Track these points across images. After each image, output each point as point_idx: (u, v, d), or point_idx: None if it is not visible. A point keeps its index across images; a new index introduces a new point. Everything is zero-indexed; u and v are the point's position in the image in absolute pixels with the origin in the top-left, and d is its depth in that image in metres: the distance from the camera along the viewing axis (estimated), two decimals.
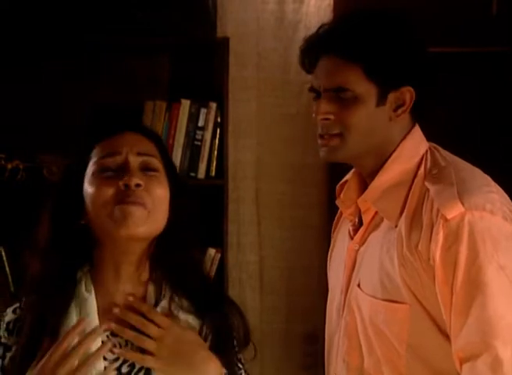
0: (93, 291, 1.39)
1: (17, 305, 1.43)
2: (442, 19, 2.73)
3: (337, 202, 1.77)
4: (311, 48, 1.63)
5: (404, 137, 1.63)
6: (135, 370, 1.36)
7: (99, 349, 1.33)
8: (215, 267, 2.68)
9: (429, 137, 1.68)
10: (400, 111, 1.60)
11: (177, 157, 2.64)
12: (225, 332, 1.43)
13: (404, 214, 1.56)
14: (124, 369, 1.36)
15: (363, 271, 1.64)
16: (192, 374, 1.35)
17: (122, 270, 1.40)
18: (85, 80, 2.80)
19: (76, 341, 1.32)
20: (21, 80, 2.77)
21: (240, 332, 1.45)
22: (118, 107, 2.67)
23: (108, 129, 1.44)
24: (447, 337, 1.51)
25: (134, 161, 1.39)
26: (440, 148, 1.67)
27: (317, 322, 2.56)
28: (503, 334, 1.43)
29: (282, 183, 2.89)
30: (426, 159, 1.62)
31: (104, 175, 1.37)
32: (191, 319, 1.41)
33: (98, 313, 1.37)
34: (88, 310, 1.37)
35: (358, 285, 1.64)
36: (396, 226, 1.57)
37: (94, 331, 1.34)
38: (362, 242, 1.67)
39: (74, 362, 1.30)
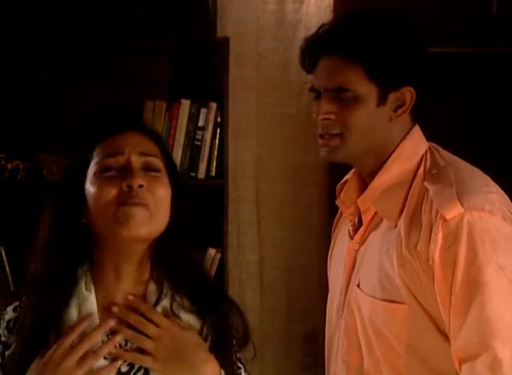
0: (93, 290, 1.39)
1: (17, 303, 1.43)
2: (442, 19, 2.74)
3: (337, 202, 1.77)
4: (311, 48, 1.63)
5: (404, 137, 1.63)
6: (134, 370, 1.36)
7: (105, 344, 1.34)
8: (215, 267, 2.68)
9: (429, 137, 1.68)
10: (400, 111, 1.60)
11: (177, 157, 2.64)
12: (224, 332, 1.42)
13: (404, 214, 1.56)
14: (123, 369, 1.36)
15: (362, 271, 1.64)
16: (190, 374, 1.35)
17: (122, 270, 1.40)
18: (85, 80, 2.80)
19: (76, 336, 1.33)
20: (21, 80, 2.77)
21: (240, 331, 1.45)
22: (118, 107, 2.67)
23: (110, 128, 1.44)
24: (446, 337, 1.51)
25: (137, 161, 1.38)
26: (440, 148, 1.67)
27: (317, 322, 2.57)
28: (502, 335, 1.43)
29: (282, 183, 2.89)
30: (426, 159, 1.62)
31: (106, 175, 1.37)
32: (192, 319, 1.41)
33: (98, 312, 1.38)
34: (88, 309, 1.37)
35: (358, 285, 1.64)
36: (395, 227, 1.57)
37: (99, 327, 1.35)
38: (362, 242, 1.67)
39: (78, 357, 1.31)
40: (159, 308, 1.40)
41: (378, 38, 1.56)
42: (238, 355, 1.46)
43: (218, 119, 2.70)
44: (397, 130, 1.63)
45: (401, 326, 1.55)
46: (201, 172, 2.69)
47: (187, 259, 1.44)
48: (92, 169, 1.39)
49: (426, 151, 1.64)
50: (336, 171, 1.93)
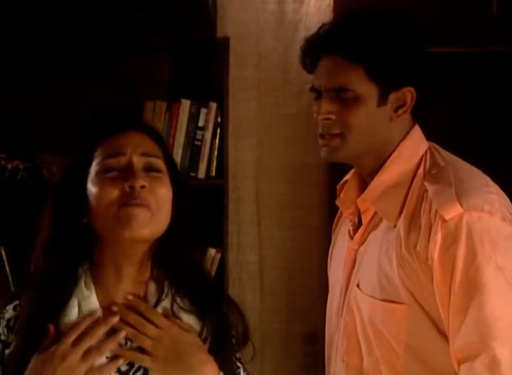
0: (93, 289, 1.39)
1: (17, 302, 1.43)
2: (442, 19, 2.74)
3: (337, 202, 1.77)
4: (312, 47, 1.63)
5: (404, 137, 1.63)
6: (133, 369, 1.36)
7: (108, 341, 1.34)
8: (215, 267, 2.68)
9: (430, 137, 1.68)
10: (400, 111, 1.60)
11: (177, 157, 2.64)
12: (224, 332, 1.43)
13: (403, 214, 1.56)
14: (123, 368, 1.36)
15: (362, 271, 1.64)
16: None
17: (123, 270, 1.40)
18: (85, 80, 2.80)
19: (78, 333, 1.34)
20: (21, 80, 2.77)
21: (239, 330, 1.45)
22: (118, 107, 2.67)
23: (111, 128, 1.44)
24: (445, 337, 1.51)
25: (138, 162, 1.38)
26: (440, 148, 1.67)
27: (317, 322, 2.57)
28: (501, 335, 1.43)
29: (282, 183, 2.89)
30: (425, 160, 1.62)
31: (108, 175, 1.37)
32: (192, 320, 1.41)
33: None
34: (90, 307, 1.38)
35: (357, 285, 1.64)
36: (394, 227, 1.57)
37: (102, 323, 1.35)
38: (362, 242, 1.67)
39: (81, 352, 1.32)
40: (159, 309, 1.40)
41: (378, 38, 1.56)
42: (237, 355, 1.46)
43: (219, 119, 2.70)
44: (397, 130, 1.63)
45: (400, 326, 1.55)
46: (201, 172, 2.69)
47: (188, 259, 1.44)
48: (94, 169, 1.39)
49: (426, 151, 1.64)
50: (336, 171, 1.93)
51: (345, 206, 1.74)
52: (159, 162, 1.41)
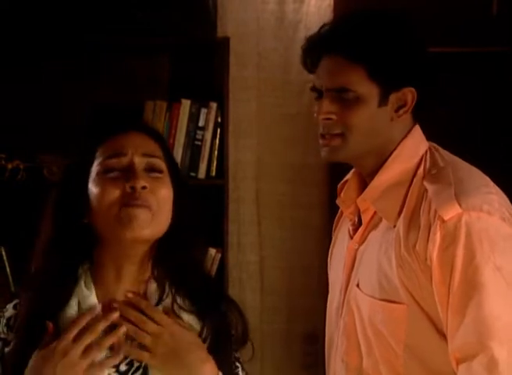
0: (93, 289, 1.39)
1: (17, 301, 1.43)
2: (442, 19, 2.74)
3: (337, 201, 1.77)
4: (313, 47, 1.63)
5: (404, 137, 1.63)
6: (133, 369, 1.36)
7: (109, 336, 1.34)
8: (215, 267, 2.68)
9: (430, 136, 1.68)
10: (401, 111, 1.60)
11: (178, 157, 2.64)
12: (224, 332, 1.43)
13: (403, 214, 1.56)
14: (122, 368, 1.36)
15: (362, 271, 1.64)
16: (186, 373, 1.35)
17: (123, 270, 1.40)
18: (85, 80, 2.80)
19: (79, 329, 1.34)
20: (21, 80, 2.77)
21: (239, 330, 1.45)
22: (119, 107, 2.67)
23: (113, 128, 1.44)
24: (444, 337, 1.51)
25: (139, 162, 1.39)
26: (440, 148, 1.67)
27: (317, 322, 2.57)
28: (499, 335, 1.43)
29: (282, 183, 2.89)
30: (425, 159, 1.62)
31: (109, 176, 1.37)
32: (192, 320, 1.41)
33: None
34: (89, 305, 1.38)
35: (357, 285, 1.64)
36: (394, 226, 1.57)
37: (102, 319, 1.35)
38: (361, 241, 1.67)
39: (82, 348, 1.32)
40: (160, 308, 1.40)
41: (380, 39, 1.56)
42: (236, 355, 1.46)
43: (219, 119, 2.70)
44: (398, 129, 1.63)
45: (399, 326, 1.55)
46: (202, 172, 2.70)
47: (189, 259, 1.44)
48: (95, 169, 1.39)
49: (426, 151, 1.64)
50: (336, 171, 1.93)
51: (345, 206, 1.74)
52: (160, 163, 1.41)
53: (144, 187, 1.35)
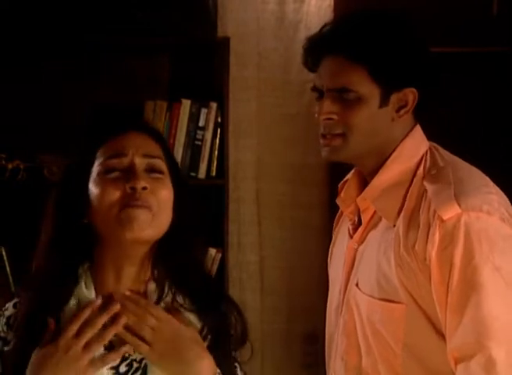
0: (93, 289, 1.39)
1: (17, 300, 1.43)
2: (443, 19, 2.74)
3: (337, 201, 1.77)
4: (314, 46, 1.63)
5: (405, 137, 1.63)
6: (132, 369, 1.36)
7: (109, 328, 1.34)
8: (215, 267, 2.68)
9: (430, 136, 1.68)
10: (402, 112, 1.60)
11: (178, 157, 2.63)
12: (223, 331, 1.43)
13: (402, 214, 1.56)
14: (122, 369, 1.36)
15: (361, 270, 1.65)
16: (185, 369, 1.35)
17: (123, 270, 1.40)
18: (85, 80, 2.80)
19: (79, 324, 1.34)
20: (21, 80, 2.77)
21: (238, 330, 1.45)
22: (119, 107, 2.67)
23: (114, 128, 1.44)
24: (443, 336, 1.51)
25: (140, 163, 1.38)
26: (440, 148, 1.67)
27: (317, 322, 2.56)
28: (497, 335, 1.43)
29: (282, 183, 2.89)
30: (426, 159, 1.62)
31: (109, 176, 1.37)
32: (193, 318, 1.41)
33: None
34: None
35: (356, 284, 1.65)
36: (394, 226, 1.57)
37: (103, 312, 1.35)
38: (361, 241, 1.67)
39: (84, 342, 1.32)
40: (161, 305, 1.40)
41: (381, 39, 1.56)
42: (234, 355, 1.46)
43: (219, 119, 2.70)
44: (399, 130, 1.63)
45: (398, 325, 1.55)
46: (202, 172, 2.70)
47: (189, 260, 1.44)
48: (95, 169, 1.39)
49: (427, 151, 1.64)
50: (336, 171, 1.93)
51: (345, 205, 1.74)
52: (161, 164, 1.41)
53: (144, 188, 1.35)
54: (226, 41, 2.70)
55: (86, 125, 2.68)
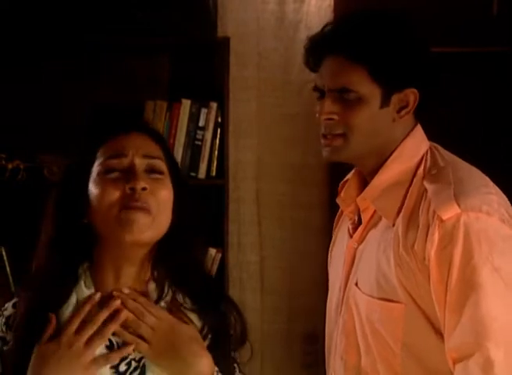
0: (93, 288, 1.39)
1: (17, 299, 1.43)
2: (443, 19, 2.74)
3: (337, 200, 1.77)
4: (315, 46, 1.63)
5: (406, 137, 1.63)
6: (131, 369, 1.36)
7: (109, 324, 1.34)
8: (215, 267, 2.68)
9: (430, 136, 1.68)
10: (403, 112, 1.60)
11: (178, 157, 2.64)
12: (223, 331, 1.43)
13: (402, 213, 1.56)
14: (122, 368, 1.36)
15: (361, 269, 1.65)
16: (183, 367, 1.35)
17: (123, 270, 1.40)
18: (85, 80, 2.80)
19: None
20: (21, 80, 2.77)
21: (237, 330, 1.45)
22: (119, 107, 2.67)
23: (114, 129, 1.44)
24: (442, 336, 1.51)
25: (140, 164, 1.38)
26: (440, 148, 1.67)
27: (317, 322, 2.56)
28: (496, 336, 1.43)
29: (282, 183, 2.89)
30: (426, 159, 1.62)
31: (109, 176, 1.37)
32: (193, 318, 1.41)
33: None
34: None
35: (356, 284, 1.65)
36: (393, 226, 1.57)
37: (104, 308, 1.35)
38: (361, 240, 1.67)
39: (85, 339, 1.32)
40: (161, 304, 1.40)
41: (382, 39, 1.56)
42: (234, 355, 1.46)
43: (219, 119, 2.70)
44: (399, 130, 1.63)
45: (397, 324, 1.55)
46: (202, 172, 2.70)
47: (189, 260, 1.44)
48: (95, 169, 1.39)
49: (427, 151, 1.64)
50: (336, 171, 1.93)
51: (345, 204, 1.74)
52: (161, 164, 1.41)
53: (144, 189, 1.35)
54: (226, 41, 2.70)
55: (86, 125, 2.68)
